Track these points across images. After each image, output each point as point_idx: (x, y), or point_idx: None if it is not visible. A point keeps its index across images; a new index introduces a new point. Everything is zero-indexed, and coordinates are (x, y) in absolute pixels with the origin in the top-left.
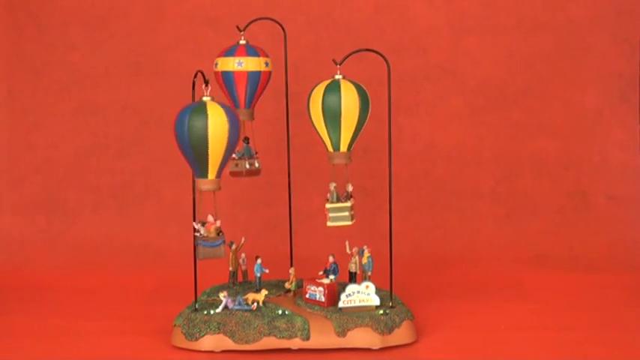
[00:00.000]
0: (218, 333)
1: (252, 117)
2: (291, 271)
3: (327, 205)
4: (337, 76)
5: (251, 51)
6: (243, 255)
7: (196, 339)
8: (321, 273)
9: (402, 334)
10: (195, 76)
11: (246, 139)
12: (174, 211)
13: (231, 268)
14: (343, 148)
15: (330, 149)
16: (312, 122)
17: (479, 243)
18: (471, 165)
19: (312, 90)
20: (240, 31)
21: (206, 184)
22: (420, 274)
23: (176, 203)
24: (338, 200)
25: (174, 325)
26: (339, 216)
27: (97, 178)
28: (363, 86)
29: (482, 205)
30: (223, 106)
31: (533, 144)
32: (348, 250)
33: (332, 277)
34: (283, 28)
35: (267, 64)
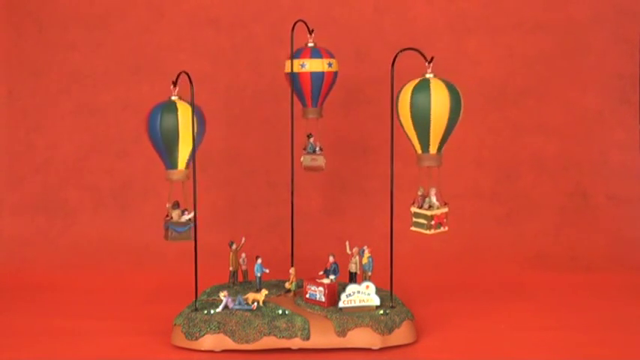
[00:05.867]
0: (218, 332)
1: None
2: (292, 271)
3: (411, 209)
4: (428, 75)
5: (329, 53)
6: (243, 255)
7: (196, 338)
8: (321, 273)
9: (402, 334)
10: (179, 76)
11: (309, 135)
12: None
13: (231, 268)
14: (433, 150)
15: (419, 151)
16: (400, 122)
17: (479, 243)
18: (471, 165)
19: (401, 89)
20: (310, 33)
21: (176, 174)
22: (420, 274)
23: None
24: (428, 206)
25: (175, 325)
26: (419, 222)
27: (97, 178)
28: (454, 85)
29: (483, 205)
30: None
31: (533, 144)
32: (348, 250)
33: (332, 277)
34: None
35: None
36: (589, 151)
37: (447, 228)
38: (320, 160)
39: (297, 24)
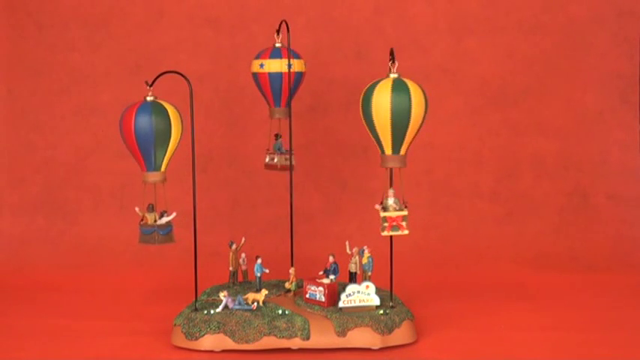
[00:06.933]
0: (218, 332)
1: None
2: (291, 271)
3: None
4: (391, 75)
5: (295, 54)
6: (243, 255)
7: (196, 338)
8: (321, 273)
9: (402, 334)
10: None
11: (278, 136)
12: (173, 211)
13: (231, 268)
14: (387, 150)
15: (380, 151)
16: None
17: (479, 243)
18: (470, 165)
19: None
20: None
21: (155, 176)
22: (420, 274)
23: (176, 203)
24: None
25: (175, 325)
26: (382, 224)
27: (97, 178)
28: (409, 86)
29: (483, 205)
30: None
31: (533, 144)
32: (348, 250)
33: (332, 277)
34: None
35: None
36: (589, 151)
37: (406, 231)
38: (290, 160)
39: (296, 24)
